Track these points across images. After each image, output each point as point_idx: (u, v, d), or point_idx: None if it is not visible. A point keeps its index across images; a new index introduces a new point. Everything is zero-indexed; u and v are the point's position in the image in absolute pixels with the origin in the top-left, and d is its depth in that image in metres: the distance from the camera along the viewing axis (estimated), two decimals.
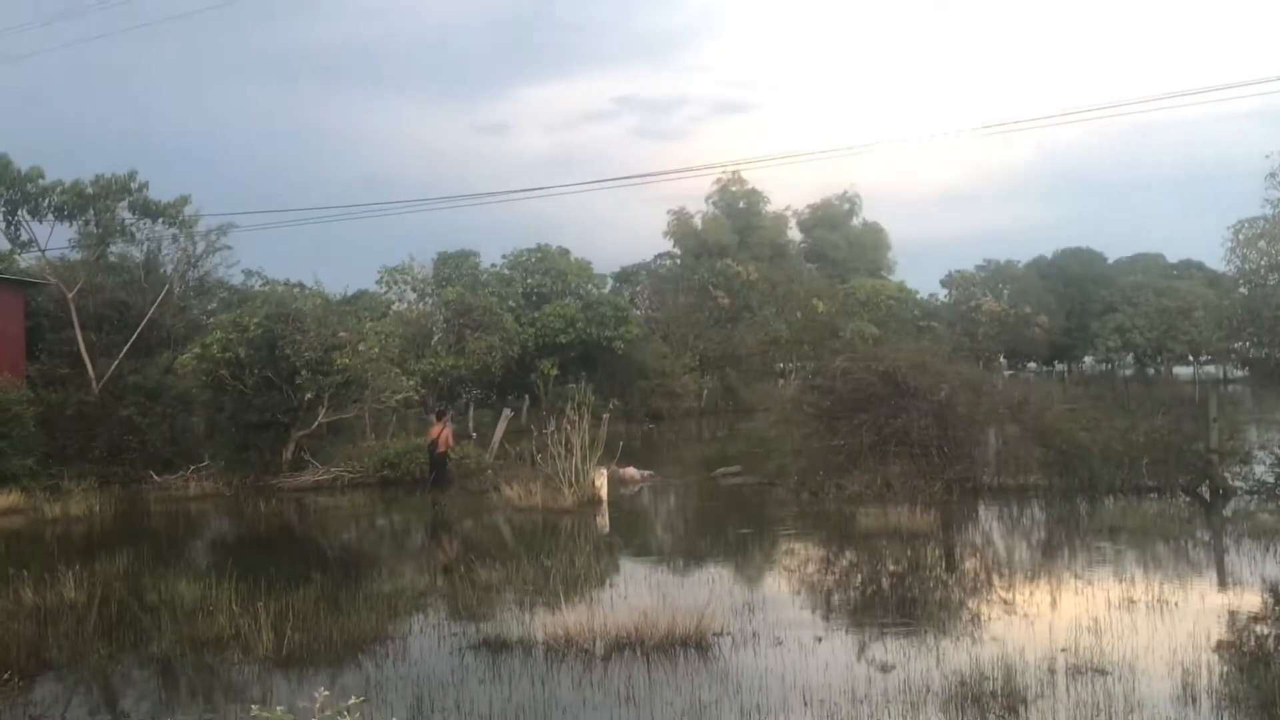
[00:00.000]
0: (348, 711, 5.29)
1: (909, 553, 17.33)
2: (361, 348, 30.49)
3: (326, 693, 5.54)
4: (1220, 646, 10.99)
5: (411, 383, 34.90)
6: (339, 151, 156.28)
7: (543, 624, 12.13)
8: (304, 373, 28.75)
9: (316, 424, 29.79)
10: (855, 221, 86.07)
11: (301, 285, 48.87)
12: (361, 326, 33.38)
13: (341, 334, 30.42)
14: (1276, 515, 19.87)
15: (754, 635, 11.97)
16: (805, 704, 9.54)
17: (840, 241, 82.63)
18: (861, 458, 23.52)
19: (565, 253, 65.60)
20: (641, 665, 10.79)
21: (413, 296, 60.32)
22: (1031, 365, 71.10)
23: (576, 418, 23.55)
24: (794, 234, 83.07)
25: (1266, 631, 11.80)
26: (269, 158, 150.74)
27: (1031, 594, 14.06)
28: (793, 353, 61.00)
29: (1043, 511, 21.53)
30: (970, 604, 13.88)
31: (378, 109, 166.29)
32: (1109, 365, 67.14)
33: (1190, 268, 76.58)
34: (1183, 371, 70.68)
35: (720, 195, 78.43)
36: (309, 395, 29.21)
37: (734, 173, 74.61)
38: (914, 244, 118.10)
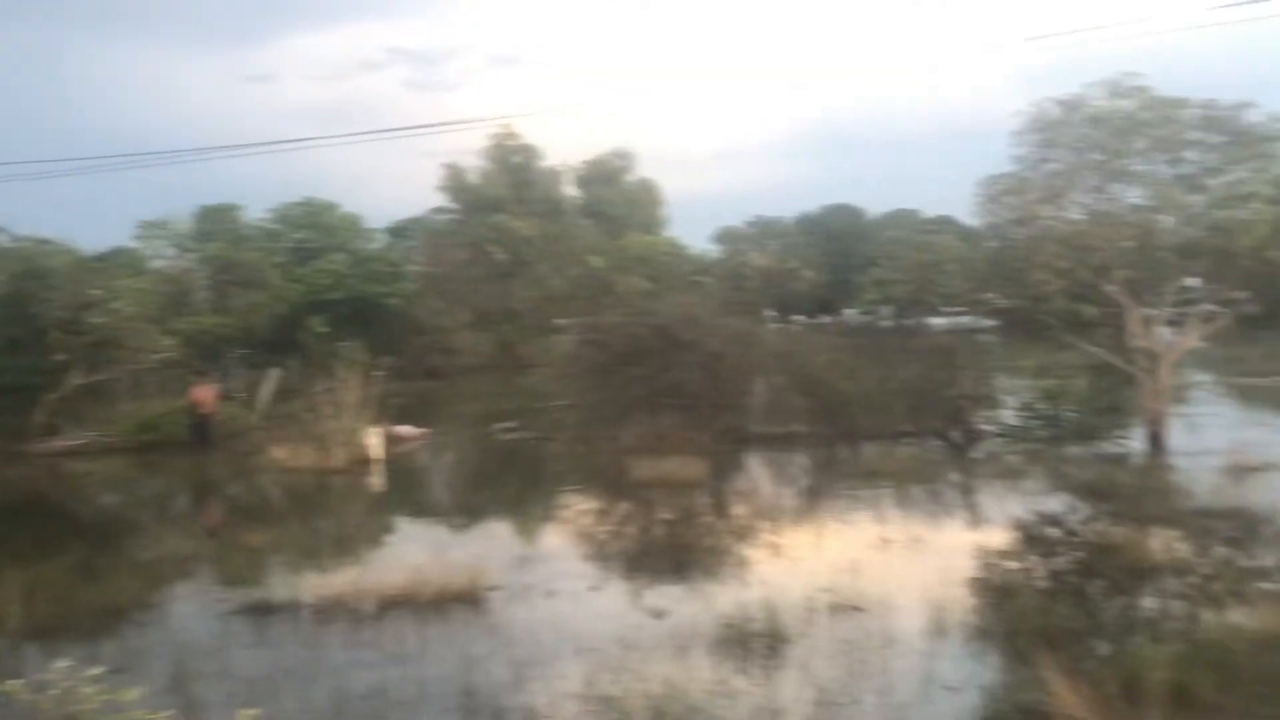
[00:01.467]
0: (92, 681, 5.06)
1: (681, 502, 17.70)
2: (116, 306, 29.04)
3: (69, 663, 5.30)
4: (970, 582, 11.63)
5: (171, 342, 33.48)
6: (90, 100, 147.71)
7: (311, 586, 11.88)
8: (54, 333, 27.24)
9: (71, 386, 28.29)
10: (630, 178, 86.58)
11: (50, 241, 46.07)
12: (116, 284, 31.77)
13: (94, 292, 28.91)
14: (1022, 457, 21.08)
15: (528, 588, 12.04)
16: (577, 653, 9.65)
17: (616, 198, 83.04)
18: (635, 410, 23.84)
19: (333, 206, 63.96)
20: (413, 623, 10.71)
21: (172, 253, 57.75)
22: (798, 318, 73.27)
23: (348, 376, 23.07)
24: (570, 190, 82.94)
25: (1013, 566, 12.55)
26: (11, 106, 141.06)
27: (796, 537, 14.57)
28: (569, 309, 61.15)
29: (807, 458, 22.30)
30: (738, 549, 14.28)
31: (134, 55, 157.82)
32: (870, 317, 69.83)
33: (945, 223, 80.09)
34: (938, 322, 74.53)
35: (495, 149, 77.65)
36: (61, 357, 27.69)
37: (508, 127, 73.90)
38: (687, 200, 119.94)
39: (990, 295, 25.56)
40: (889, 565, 12.59)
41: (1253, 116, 20.78)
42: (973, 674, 9.00)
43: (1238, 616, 9.54)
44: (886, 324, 61.73)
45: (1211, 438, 21.00)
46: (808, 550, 13.72)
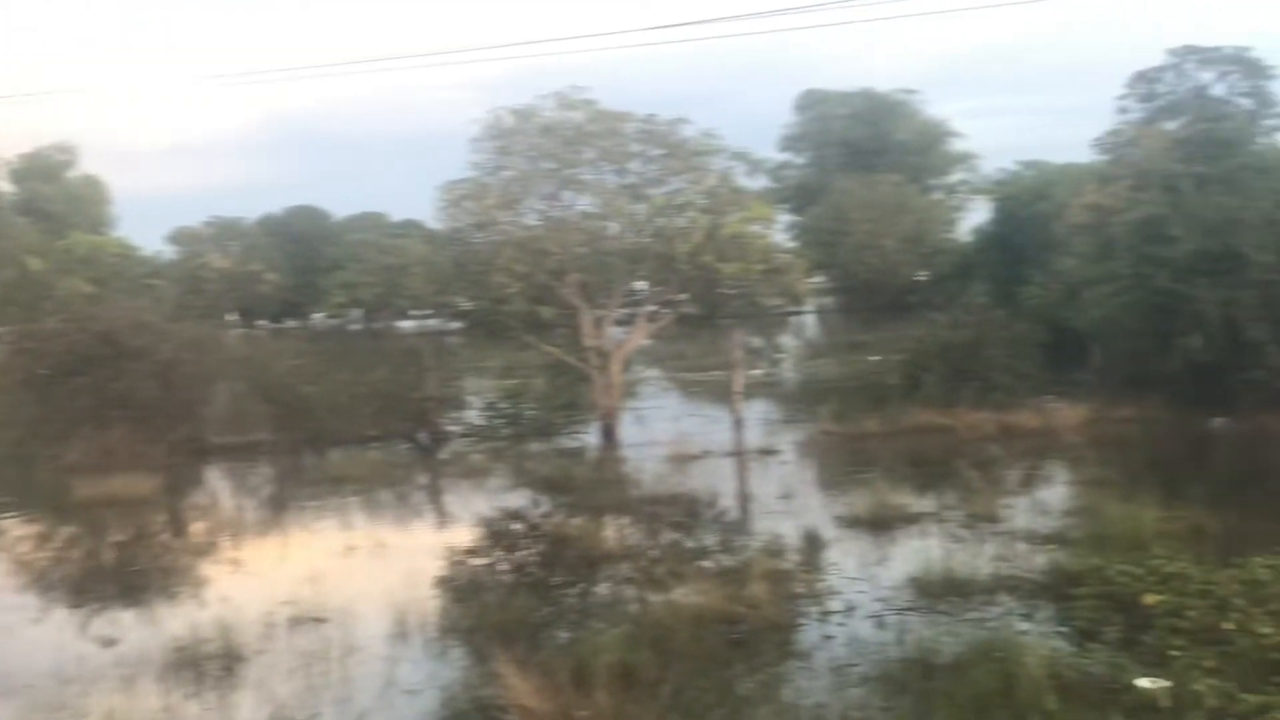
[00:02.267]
0: None
1: (133, 521, 16.49)
2: None
3: None
4: (434, 582, 11.67)
5: None
6: None
7: None
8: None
9: None
10: (74, 173, 79.94)
11: None
12: None
13: None
14: (487, 456, 21.54)
15: None
16: (5, 695, 8.66)
17: (56, 194, 76.40)
18: (80, 425, 21.94)
19: None
20: None
21: None
22: (263, 322, 71.00)
23: None
24: (4, 185, 75.17)
25: (476, 563, 12.74)
26: None
27: (256, 551, 14.01)
28: (1, 315, 55.38)
29: (270, 467, 21.56)
30: (195, 567, 13.53)
31: None
32: (338, 320, 68.99)
33: (411, 226, 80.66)
34: (407, 325, 75.14)
35: None
36: None
37: None
38: (139, 199, 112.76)
39: (455, 298, 25.93)
40: (353, 572, 12.38)
41: (687, 131, 22.57)
42: (434, 674, 9.02)
43: (680, 595, 10.21)
44: (355, 328, 61.29)
45: (658, 430, 22.47)
46: (269, 563, 13.21)
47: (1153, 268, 20.81)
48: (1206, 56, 56.82)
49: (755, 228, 22.26)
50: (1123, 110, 58.46)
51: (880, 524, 13.22)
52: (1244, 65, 56.55)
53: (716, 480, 17.23)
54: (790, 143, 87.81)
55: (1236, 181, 22.34)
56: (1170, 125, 39.83)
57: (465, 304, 24.79)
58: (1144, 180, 27.71)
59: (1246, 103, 56.30)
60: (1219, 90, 56.95)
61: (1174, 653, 7.69)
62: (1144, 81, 58.43)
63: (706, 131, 22.83)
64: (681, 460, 18.81)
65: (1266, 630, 7.69)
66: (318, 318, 74.31)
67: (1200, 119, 32.38)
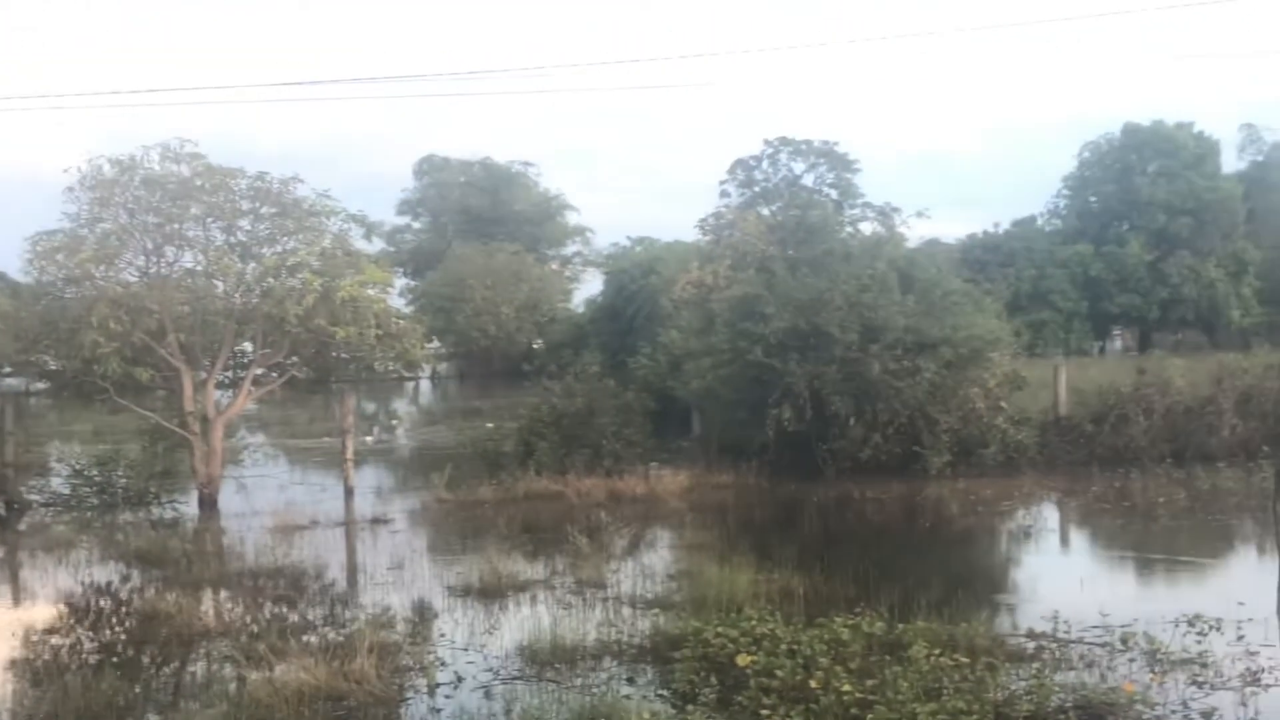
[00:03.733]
0: None
1: None
2: None
3: None
4: (13, 664, 10.69)
5: None
6: None
7: None
8: None
9: None
10: None
11: None
12: None
13: None
14: (71, 526, 19.96)
15: None
16: None
17: None
18: None
19: None
20: None
21: None
22: None
23: None
24: None
25: (58, 643, 11.75)
26: None
27: None
28: None
29: None
30: None
31: None
32: None
33: None
34: None
35: None
36: None
37: None
38: None
39: (42, 356, 23.99)
40: None
41: (301, 191, 22.06)
42: None
43: (282, 672, 9.78)
44: None
45: (262, 499, 21.64)
46: None
47: (749, 342, 22.15)
48: (798, 148, 61.86)
49: (371, 291, 21.93)
50: (724, 194, 62.48)
51: (491, 592, 13.22)
52: (831, 158, 62.01)
53: (324, 551, 16.72)
54: (408, 207, 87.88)
55: (823, 265, 24.29)
56: (766, 210, 42.94)
57: (52, 363, 22.95)
58: (742, 260, 29.68)
59: (833, 193, 61.50)
60: (809, 180, 62.04)
61: (765, 711, 8.08)
62: (742, 168, 62.84)
63: (321, 192, 22.44)
64: (287, 531, 18.14)
65: (847, 687, 8.22)
66: None
67: (792, 205, 35.08)
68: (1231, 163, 74.75)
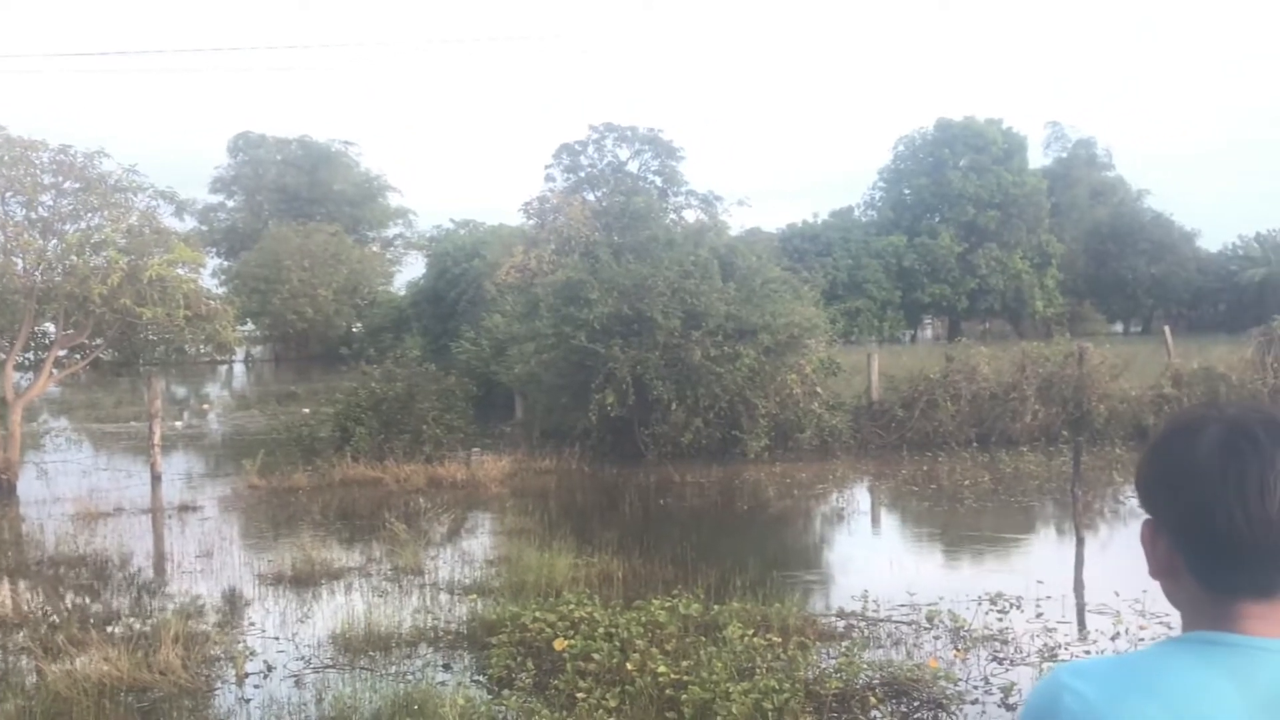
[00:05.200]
0: None
1: None
2: None
3: None
4: None
5: None
6: None
7: None
8: None
9: None
10: None
11: None
12: None
13: None
14: None
15: None
16: None
17: None
18: None
19: None
20: None
21: None
22: None
23: None
24: None
25: None
26: None
27: None
28: None
29: None
30: None
31: None
32: None
33: None
34: None
35: None
36: None
37: None
38: None
39: None
40: None
41: (107, 165, 21.16)
42: None
43: (82, 664, 9.39)
44: None
45: (65, 485, 20.76)
46: None
47: (572, 328, 22.18)
48: (623, 134, 62.03)
49: (181, 271, 21.17)
50: (549, 178, 62.31)
51: (304, 580, 12.92)
52: (656, 145, 62.35)
53: (130, 539, 16.09)
54: (222, 185, 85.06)
55: (647, 251, 24.46)
56: (591, 195, 42.95)
57: None
58: (566, 245, 29.67)
59: (658, 180, 61.90)
60: (634, 166, 62.32)
61: (580, 694, 8.10)
62: (568, 153, 62.73)
63: (129, 167, 21.58)
64: (90, 518, 17.42)
65: (662, 668, 8.30)
66: None
67: (617, 191, 35.15)
68: (1038, 159, 78.17)
